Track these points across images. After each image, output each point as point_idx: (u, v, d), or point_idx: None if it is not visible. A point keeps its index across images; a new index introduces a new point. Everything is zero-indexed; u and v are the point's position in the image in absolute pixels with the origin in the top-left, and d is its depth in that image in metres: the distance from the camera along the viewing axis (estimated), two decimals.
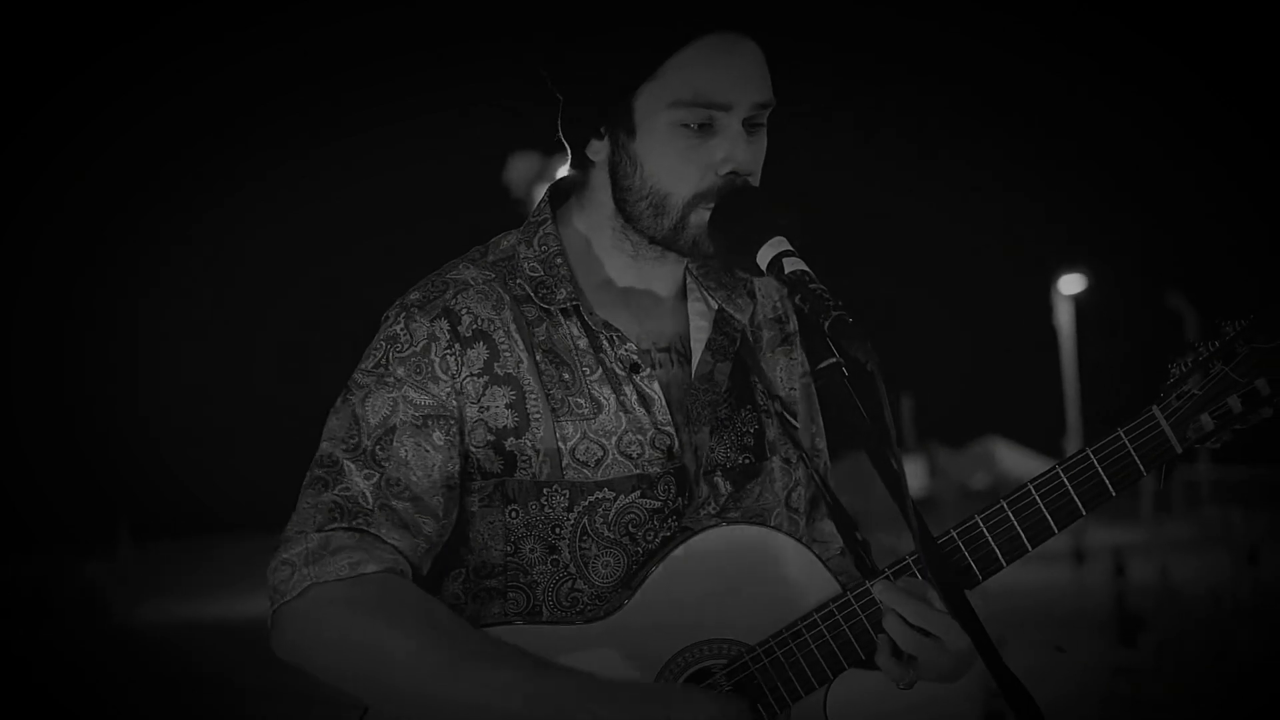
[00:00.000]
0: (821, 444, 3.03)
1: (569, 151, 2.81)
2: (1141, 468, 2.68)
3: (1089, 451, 2.69)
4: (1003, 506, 2.70)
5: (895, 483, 2.59)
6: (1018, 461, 59.85)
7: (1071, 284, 53.50)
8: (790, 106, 2.80)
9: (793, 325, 2.97)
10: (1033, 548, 2.70)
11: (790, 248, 2.66)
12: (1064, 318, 53.54)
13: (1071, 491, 2.69)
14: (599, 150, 2.76)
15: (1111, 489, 2.69)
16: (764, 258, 2.66)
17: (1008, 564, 2.71)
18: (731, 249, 2.70)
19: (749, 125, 2.70)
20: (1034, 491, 2.69)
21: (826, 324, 2.55)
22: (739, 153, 2.69)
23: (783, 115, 2.79)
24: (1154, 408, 2.69)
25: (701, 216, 2.70)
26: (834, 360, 2.69)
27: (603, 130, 2.73)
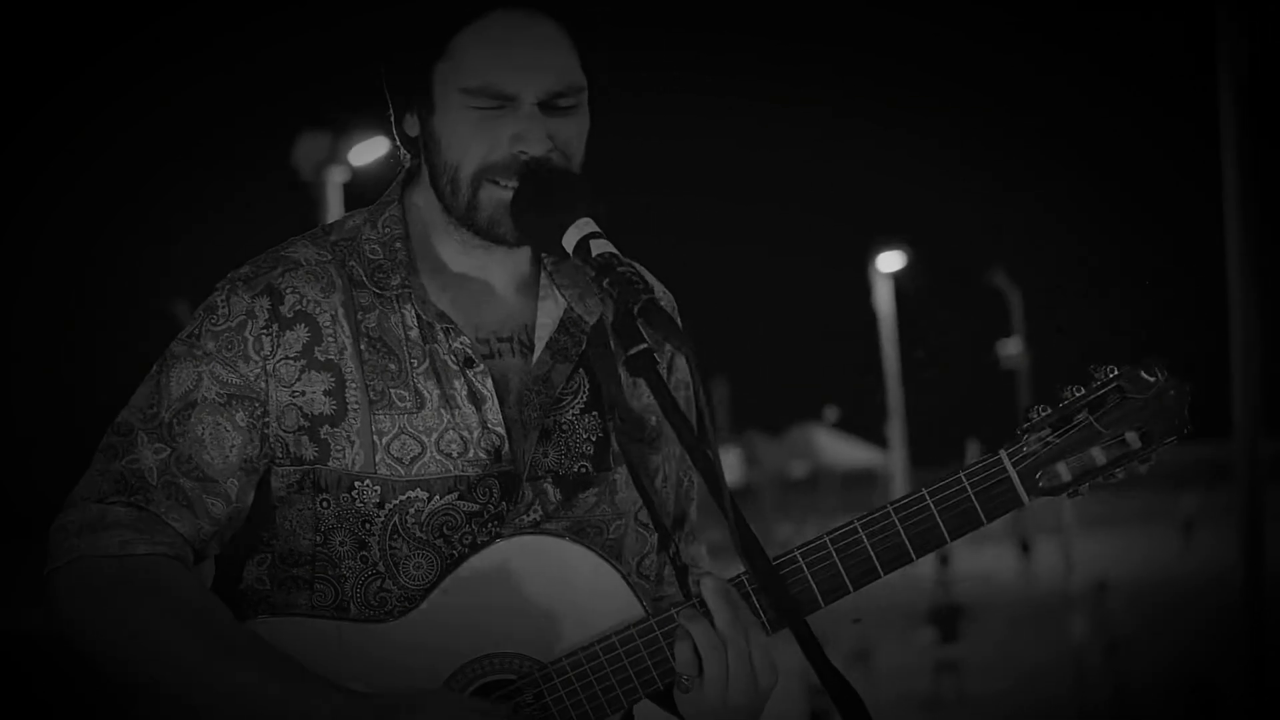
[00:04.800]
0: (690, 469, 2.99)
1: (394, 128, 2.84)
2: (982, 516, 2.67)
3: (925, 493, 2.67)
4: (826, 543, 2.67)
5: (711, 473, 2.59)
6: (839, 449, 60.44)
7: (890, 261, 53.98)
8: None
9: (668, 348, 2.89)
10: (854, 589, 2.67)
11: (598, 229, 2.67)
12: (883, 298, 54.04)
13: (903, 534, 2.66)
14: (414, 126, 2.79)
15: (947, 535, 2.66)
16: (570, 240, 2.67)
17: (825, 605, 2.67)
18: (537, 232, 2.72)
19: (548, 108, 2.71)
20: (861, 530, 2.66)
21: (636, 308, 2.57)
22: (530, 132, 2.70)
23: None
24: (1001, 452, 2.67)
25: (491, 194, 2.71)
26: (644, 346, 2.63)
27: (414, 107, 2.77)
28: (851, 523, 2.68)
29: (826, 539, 2.67)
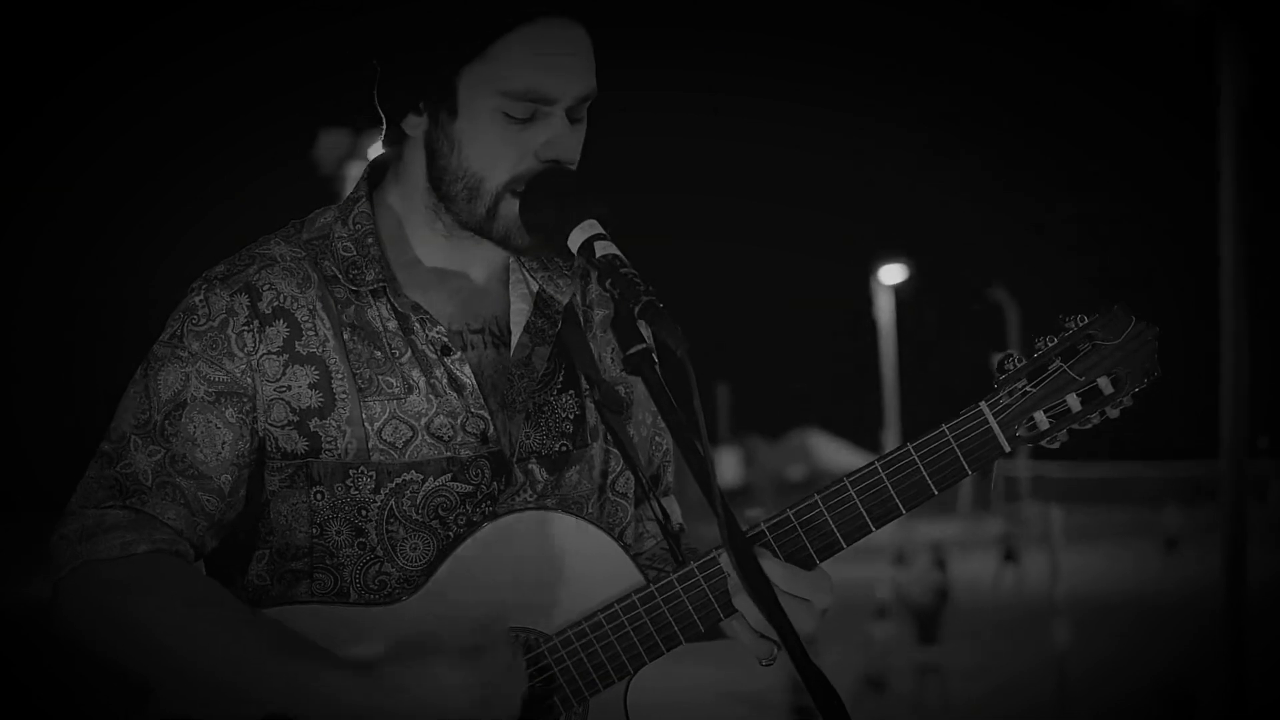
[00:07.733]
0: (663, 430, 3.03)
1: (384, 123, 2.81)
2: (966, 466, 2.68)
3: (910, 447, 2.68)
4: (817, 501, 2.69)
5: (703, 471, 2.59)
6: (834, 453, 60.55)
7: (892, 274, 54.07)
8: (610, 93, 2.82)
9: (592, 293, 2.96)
10: (847, 545, 2.69)
11: (602, 231, 2.67)
12: (884, 308, 54.12)
13: (890, 489, 2.68)
14: (416, 125, 2.75)
15: (933, 487, 2.68)
16: (575, 241, 2.67)
17: (820, 561, 2.69)
18: (544, 231, 2.72)
19: (572, 116, 2.72)
20: (850, 488, 2.68)
21: (637, 309, 2.57)
22: (562, 141, 2.71)
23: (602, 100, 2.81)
24: (981, 404, 2.68)
25: (512, 207, 2.72)
26: (643, 346, 2.68)
27: (422, 106, 2.73)
28: (842, 480, 2.70)
29: (817, 497, 2.70)
